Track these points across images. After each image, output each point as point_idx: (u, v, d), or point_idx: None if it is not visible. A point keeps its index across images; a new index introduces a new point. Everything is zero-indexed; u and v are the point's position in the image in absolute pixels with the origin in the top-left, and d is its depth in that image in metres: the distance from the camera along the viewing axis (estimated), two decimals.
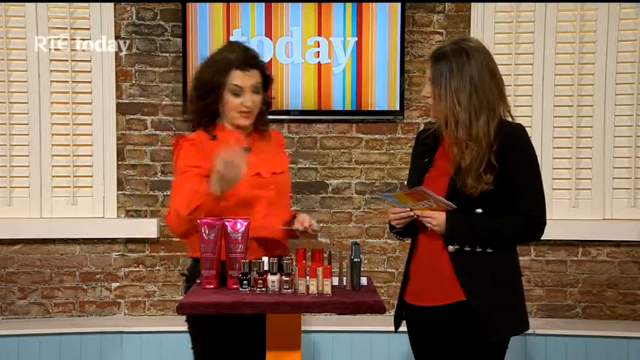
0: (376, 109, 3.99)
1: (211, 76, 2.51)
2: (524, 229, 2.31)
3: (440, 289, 2.31)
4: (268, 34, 3.94)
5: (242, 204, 2.46)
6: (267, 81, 2.58)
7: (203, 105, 2.54)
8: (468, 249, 2.28)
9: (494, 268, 2.29)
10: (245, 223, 2.31)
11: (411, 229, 2.39)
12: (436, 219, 2.27)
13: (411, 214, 2.30)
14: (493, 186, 2.24)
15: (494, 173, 2.25)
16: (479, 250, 2.28)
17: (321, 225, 3.88)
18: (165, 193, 4.03)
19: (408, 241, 2.48)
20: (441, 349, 2.35)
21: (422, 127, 4.03)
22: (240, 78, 2.49)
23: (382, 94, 3.97)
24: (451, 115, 2.27)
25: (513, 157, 2.28)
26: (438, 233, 2.29)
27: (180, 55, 3.96)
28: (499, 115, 2.30)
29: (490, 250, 2.29)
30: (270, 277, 2.22)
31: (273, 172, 2.55)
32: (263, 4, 3.93)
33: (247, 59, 2.52)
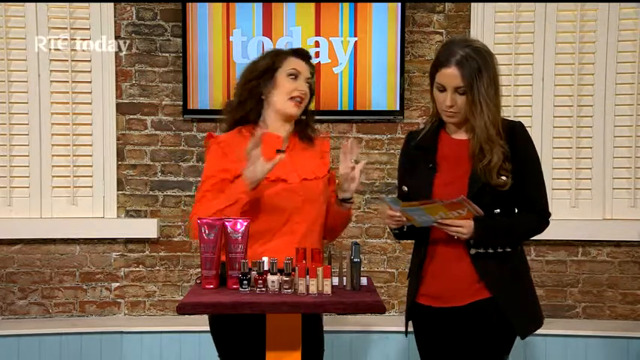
0: (376, 109, 3.99)
1: (266, 61, 2.51)
2: (536, 226, 2.38)
3: (461, 289, 2.32)
4: (268, 34, 3.94)
5: (261, 211, 2.43)
6: (311, 88, 2.56)
7: (248, 93, 2.49)
8: (491, 251, 2.30)
9: (511, 265, 2.33)
10: (245, 224, 2.31)
11: (415, 231, 2.38)
12: (466, 228, 2.25)
13: (403, 219, 2.29)
14: (512, 173, 2.27)
15: (509, 162, 2.28)
16: (499, 250, 2.31)
17: None
18: (165, 193, 4.04)
19: (406, 241, 2.47)
20: (458, 348, 2.34)
21: (422, 127, 4.04)
22: (297, 63, 2.51)
23: (382, 94, 3.97)
24: (486, 116, 2.26)
25: (520, 153, 2.31)
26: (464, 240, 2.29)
27: (180, 55, 3.96)
28: None
29: (509, 250, 2.33)
30: (270, 277, 2.22)
31: (304, 178, 2.49)
32: (264, 4, 3.93)
33: (306, 54, 2.55)
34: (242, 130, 2.52)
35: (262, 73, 2.50)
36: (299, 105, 2.50)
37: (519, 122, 2.38)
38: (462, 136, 2.38)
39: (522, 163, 2.31)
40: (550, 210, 2.39)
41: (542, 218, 2.37)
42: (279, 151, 2.50)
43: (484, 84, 2.25)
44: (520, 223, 2.34)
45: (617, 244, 3.97)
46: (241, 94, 2.53)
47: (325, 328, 3.74)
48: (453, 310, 2.34)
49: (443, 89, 2.31)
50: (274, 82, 2.49)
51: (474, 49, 2.28)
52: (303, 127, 2.57)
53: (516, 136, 2.32)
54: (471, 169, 2.30)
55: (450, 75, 2.27)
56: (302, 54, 2.55)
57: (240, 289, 2.24)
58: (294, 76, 2.49)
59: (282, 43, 3.90)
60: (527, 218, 2.35)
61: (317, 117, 3.90)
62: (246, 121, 2.53)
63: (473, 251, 2.29)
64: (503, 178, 2.26)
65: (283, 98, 2.49)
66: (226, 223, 2.31)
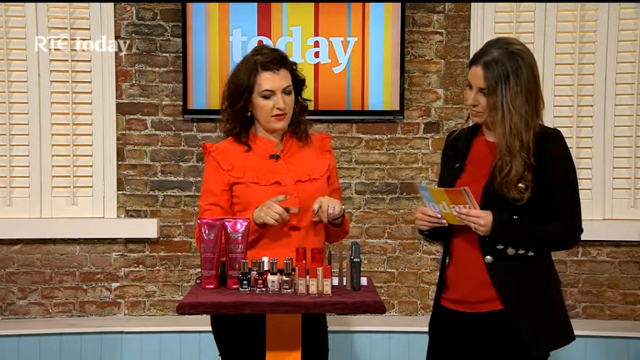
0: (376, 109, 3.99)
1: (241, 80, 2.48)
2: (564, 237, 2.28)
3: (481, 296, 2.27)
4: (268, 34, 3.94)
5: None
6: (298, 83, 2.53)
7: (234, 112, 2.50)
8: (503, 247, 2.23)
9: (532, 278, 2.26)
10: (245, 224, 2.31)
11: (441, 232, 2.34)
12: (483, 219, 2.18)
13: (443, 221, 2.24)
14: (533, 183, 2.20)
15: (532, 173, 2.21)
16: (511, 252, 2.23)
17: None
18: (165, 193, 4.03)
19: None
20: (477, 356, 2.31)
21: (422, 127, 4.05)
22: (269, 80, 2.46)
23: (382, 94, 3.97)
24: (508, 124, 2.19)
25: (552, 162, 2.23)
26: (482, 234, 2.22)
27: (180, 55, 3.96)
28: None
29: (528, 256, 2.24)
30: (270, 277, 2.22)
31: (299, 179, 2.49)
32: (263, 4, 3.93)
33: (275, 59, 2.48)
34: (240, 138, 2.55)
35: (239, 96, 2.48)
36: (282, 118, 2.49)
37: (555, 130, 2.30)
38: (493, 138, 2.32)
39: (550, 173, 2.22)
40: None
41: (572, 231, 2.27)
42: (272, 156, 2.53)
43: (510, 91, 2.18)
44: (546, 229, 2.24)
45: (617, 244, 3.97)
46: (228, 118, 2.53)
47: None
48: (473, 316, 2.30)
49: (470, 86, 2.28)
50: (253, 104, 2.49)
51: (508, 52, 2.22)
52: (296, 125, 2.56)
53: (547, 145, 2.23)
54: (490, 173, 2.24)
55: (475, 74, 2.24)
56: (272, 64, 2.47)
57: (240, 289, 2.25)
58: (268, 96, 2.47)
59: (282, 44, 3.90)
60: (555, 227, 2.25)
61: (317, 117, 3.96)
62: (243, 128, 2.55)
63: (489, 259, 2.24)
64: (521, 186, 2.19)
65: (266, 117, 2.49)
66: (226, 223, 2.31)
